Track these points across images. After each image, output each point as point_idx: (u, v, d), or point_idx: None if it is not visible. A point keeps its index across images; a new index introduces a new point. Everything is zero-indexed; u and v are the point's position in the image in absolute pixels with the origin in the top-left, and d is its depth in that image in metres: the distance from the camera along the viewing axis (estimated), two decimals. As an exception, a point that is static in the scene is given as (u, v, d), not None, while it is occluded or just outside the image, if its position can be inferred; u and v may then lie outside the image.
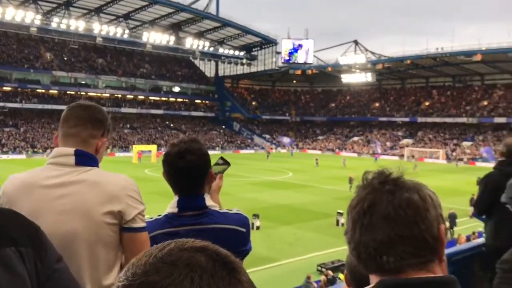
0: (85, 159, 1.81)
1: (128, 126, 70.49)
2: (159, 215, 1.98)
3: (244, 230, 1.98)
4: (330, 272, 13.42)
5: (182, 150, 1.89)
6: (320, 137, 79.83)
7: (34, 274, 1.06)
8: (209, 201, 1.97)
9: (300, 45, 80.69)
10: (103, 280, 1.75)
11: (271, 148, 70.37)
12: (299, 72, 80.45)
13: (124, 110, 70.96)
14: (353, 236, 1.01)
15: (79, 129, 1.84)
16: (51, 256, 1.13)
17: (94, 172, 1.80)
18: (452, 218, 19.43)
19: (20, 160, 48.12)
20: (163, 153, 2.01)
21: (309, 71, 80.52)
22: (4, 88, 61.97)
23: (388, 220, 0.96)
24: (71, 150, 1.80)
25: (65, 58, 70.50)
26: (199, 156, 1.91)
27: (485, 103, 68.27)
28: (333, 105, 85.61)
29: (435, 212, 0.99)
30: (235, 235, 1.95)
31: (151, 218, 1.97)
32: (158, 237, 1.87)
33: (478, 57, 60.20)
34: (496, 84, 71.12)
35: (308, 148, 75.03)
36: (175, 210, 1.93)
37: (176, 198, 1.95)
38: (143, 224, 1.82)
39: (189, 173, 1.89)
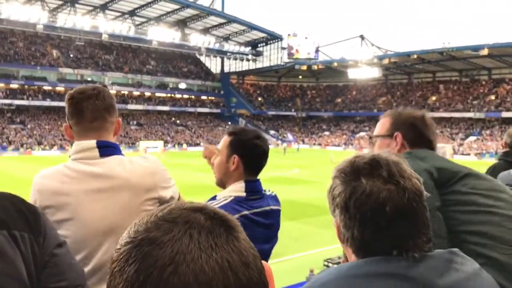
0: (108, 149, 1.80)
1: (134, 122, 70.62)
2: (225, 198, 1.95)
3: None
4: (335, 267, 13.40)
5: (256, 132, 2.03)
6: (326, 133, 79.62)
7: (31, 259, 1.03)
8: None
9: (305, 41, 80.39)
10: None
11: (277, 144, 70.23)
12: (304, 67, 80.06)
13: (130, 107, 71.09)
14: (362, 236, 0.95)
15: (99, 122, 1.81)
16: (49, 241, 1.10)
17: (120, 164, 1.78)
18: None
19: (28, 157, 48.35)
20: (234, 136, 2.00)
21: (315, 67, 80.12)
22: (11, 85, 62.22)
23: (405, 217, 0.92)
24: (93, 143, 1.77)
25: (71, 55, 70.70)
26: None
27: (493, 97, 67.81)
28: (339, 100, 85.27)
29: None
30: (280, 215, 2.12)
31: (218, 202, 1.92)
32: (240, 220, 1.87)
33: (484, 52, 59.74)
34: (504, 79, 70.54)
35: (314, 144, 74.84)
36: (243, 194, 1.97)
37: (241, 183, 1.99)
38: (177, 196, 1.96)
39: (266, 155, 2.03)
